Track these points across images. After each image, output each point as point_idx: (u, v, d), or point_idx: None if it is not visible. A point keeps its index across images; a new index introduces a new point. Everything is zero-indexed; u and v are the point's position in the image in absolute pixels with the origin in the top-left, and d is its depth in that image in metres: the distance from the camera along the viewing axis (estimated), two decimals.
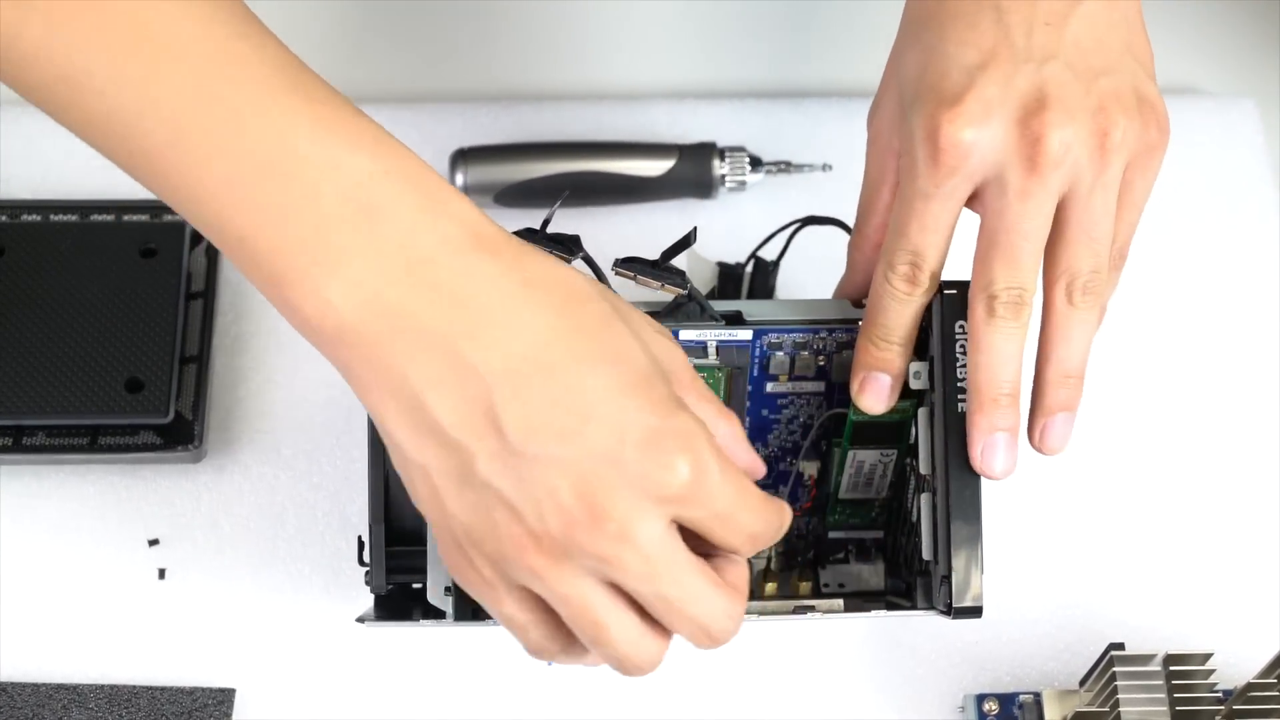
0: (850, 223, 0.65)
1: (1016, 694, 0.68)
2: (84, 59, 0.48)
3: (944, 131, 0.54)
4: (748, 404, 0.64)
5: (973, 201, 0.57)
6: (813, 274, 0.72)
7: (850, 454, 0.64)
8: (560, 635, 0.53)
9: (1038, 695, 0.67)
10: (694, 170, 0.79)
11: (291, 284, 0.49)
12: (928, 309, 0.59)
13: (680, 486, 0.49)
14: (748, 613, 0.63)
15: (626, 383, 0.49)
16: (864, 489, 0.66)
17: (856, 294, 0.61)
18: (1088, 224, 0.56)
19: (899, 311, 0.58)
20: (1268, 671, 0.63)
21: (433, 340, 0.49)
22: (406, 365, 0.49)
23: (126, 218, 0.76)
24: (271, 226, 0.49)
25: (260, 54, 0.50)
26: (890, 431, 0.62)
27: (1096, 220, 0.56)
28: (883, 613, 0.63)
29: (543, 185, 0.78)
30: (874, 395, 0.59)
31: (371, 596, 0.61)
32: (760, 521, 0.52)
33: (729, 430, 0.54)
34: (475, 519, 0.50)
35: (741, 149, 0.80)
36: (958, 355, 0.58)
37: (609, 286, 0.54)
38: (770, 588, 0.68)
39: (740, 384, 0.62)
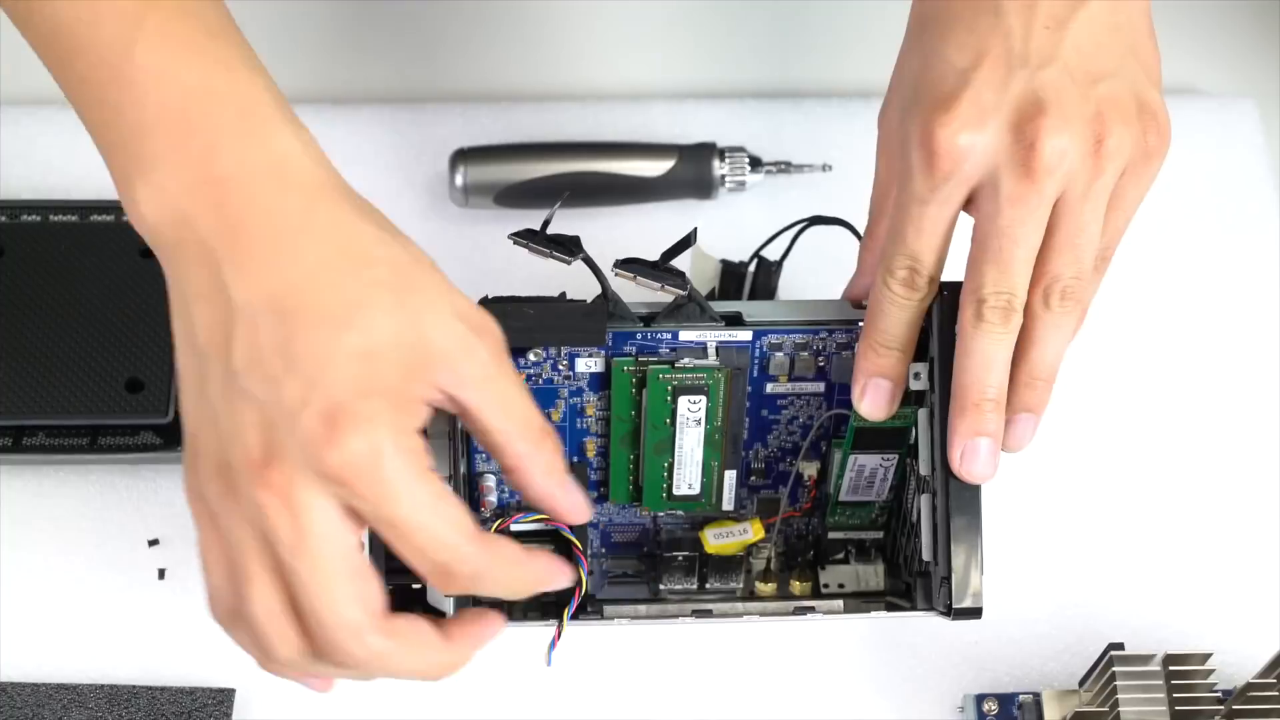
0: (854, 223, 0.65)
1: (1016, 694, 0.68)
2: None
3: (938, 136, 0.54)
4: (748, 405, 0.64)
5: (967, 205, 0.56)
6: (815, 274, 0.72)
7: (851, 458, 0.64)
8: (233, 587, 0.52)
9: (1037, 695, 0.67)
10: (694, 171, 0.79)
11: (118, 182, 0.52)
12: (928, 312, 0.59)
13: (342, 466, 0.48)
14: (749, 613, 0.64)
15: (343, 351, 0.49)
16: (864, 492, 0.66)
17: (865, 296, 0.61)
18: (1075, 231, 0.55)
19: (898, 317, 0.58)
20: (1267, 671, 0.63)
21: (206, 257, 0.50)
22: (184, 273, 0.51)
23: (126, 218, 0.75)
24: (107, 126, 0.52)
25: None
26: (892, 437, 0.62)
27: (1084, 227, 0.56)
28: (882, 613, 0.63)
29: (543, 186, 0.78)
30: (875, 401, 0.59)
31: None
32: (451, 552, 0.50)
33: (527, 452, 0.53)
34: (197, 430, 0.52)
35: (741, 149, 0.80)
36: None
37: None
38: (770, 588, 0.68)
39: (740, 385, 0.62)
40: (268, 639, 0.52)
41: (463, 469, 0.62)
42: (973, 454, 0.58)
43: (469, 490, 0.65)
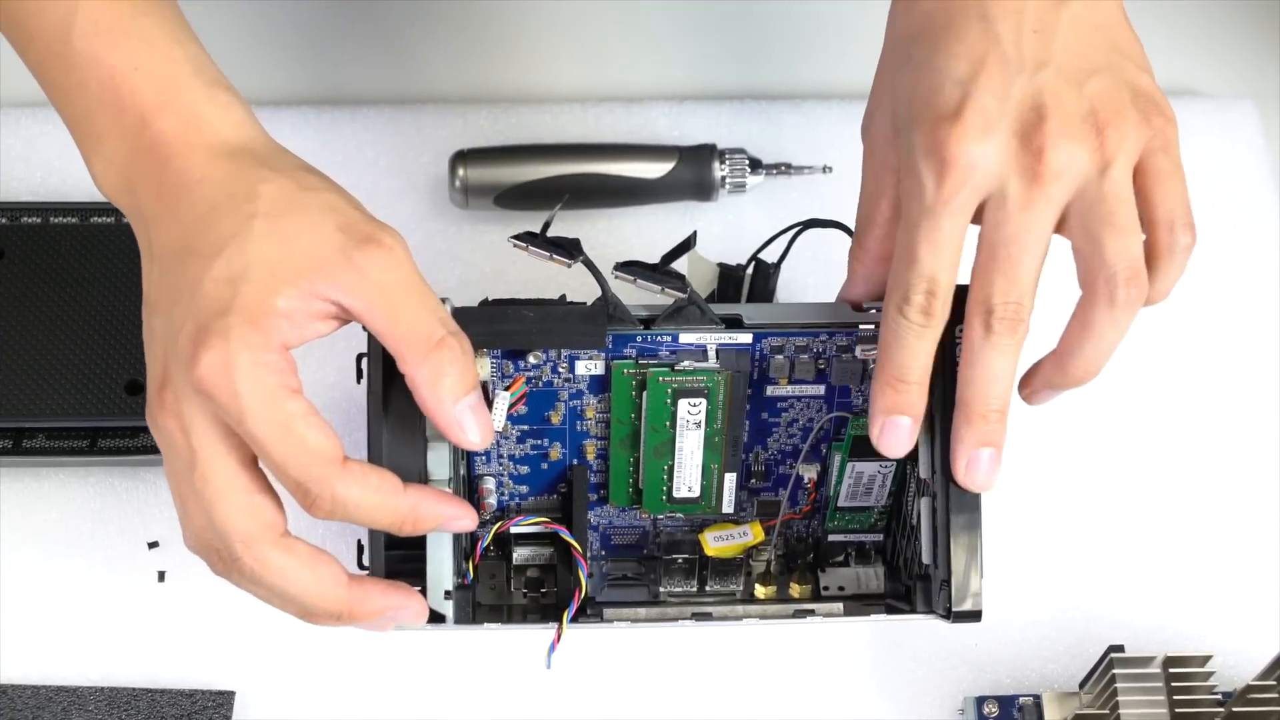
0: (852, 225, 0.65)
1: (1016, 696, 0.68)
2: None
3: (949, 146, 0.54)
4: (748, 407, 0.64)
5: (974, 216, 0.56)
6: (813, 276, 0.72)
7: (849, 465, 0.64)
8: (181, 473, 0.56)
9: (1037, 698, 0.67)
10: (694, 172, 0.79)
11: (84, 158, 0.58)
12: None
13: (200, 380, 0.52)
14: (749, 616, 0.64)
15: (211, 278, 0.53)
16: (863, 498, 0.66)
17: (858, 301, 0.61)
18: (1107, 215, 0.55)
19: (916, 347, 0.56)
20: (1267, 673, 0.63)
21: (143, 220, 0.56)
22: (138, 236, 0.57)
23: (126, 220, 0.75)
24: (65, 107, 0.58)
25: None
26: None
27: (1115, 210, 0.55)
28: (882, 616, 0.63)
29: (543, 187, 0.78)
30: (894, 440, 0.58)
31: None
32: (303, 470, 0.53)
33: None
34: (148, 361, 0.56)
35: (741, 151, 0.80)
36: (957, 359, 0.58)
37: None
38: (770, 591, 0.68)
39: (740, 387, 0.62)
40: (201, 553, 0.56)
41: (462, 470, 0.62)
42: (976, 464, 0.57)
43: (468, 492, 0.65)
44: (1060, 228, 0.56)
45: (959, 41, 0.55)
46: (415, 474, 0.59)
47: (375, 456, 0.59)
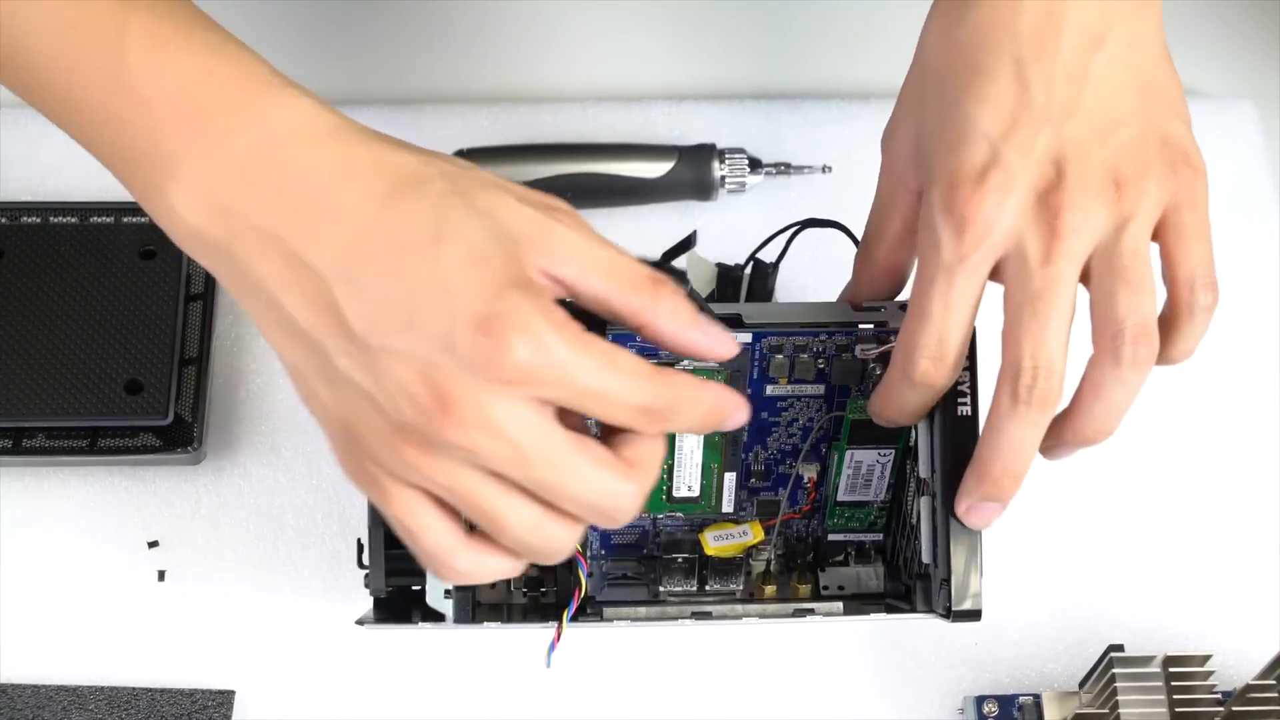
0: (850, 225, 0.65)
1: (1016, 696, 0.68)
2: None
3: (970, 206, 0.53)
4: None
5: (995, 275, 0.55)
6: (812, 276, 0.72)
7: (848, 454, 0.64)
8: (463, 538, 0.52)
9: (1037, 697, 0.67)
10: (693, 172, 0.79)
11: (145, 195, 0.51)
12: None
13: (520, 367, 0.48)
14: (748, 615, 0.64)
15: (452, 266, 0.48)
16: (862, 490, 0.66)
17: (859, 301, 0.61)
18: (1120, 268, 0.54)
19: (914, 400, 0.57)
20: (1267, 673, 0.63)
21: (268, 238, 0.49)
22: (253, 265, 0.50)
23: (126, 219, 0.76)
24: (120, 139, 0.51)
25: None
26: (888, 430, 0.62)
27: (1129, 264, 0.54)
28: (882, 615, 0.63)
29: (542, 187, 0.77)
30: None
31: (371, 599, 0.61)
32: (641, 391, 0.50)
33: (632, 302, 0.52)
34: (347, 414, 0.50)
35: (741, 151, 0.80)
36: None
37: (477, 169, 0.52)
38: (770, 590, 0.68)
39: (740, 386, 0.62)
40: (544, 544, 0.52)
41: None
42: (978, 513, 0.57)
43: None
44: (1084, 280, 0.55)
45: (991, 85, 0.54)
46: None
47: None
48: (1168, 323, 0.56)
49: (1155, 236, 0.55)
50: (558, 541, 0.52)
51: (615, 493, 0.51)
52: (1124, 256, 0.54)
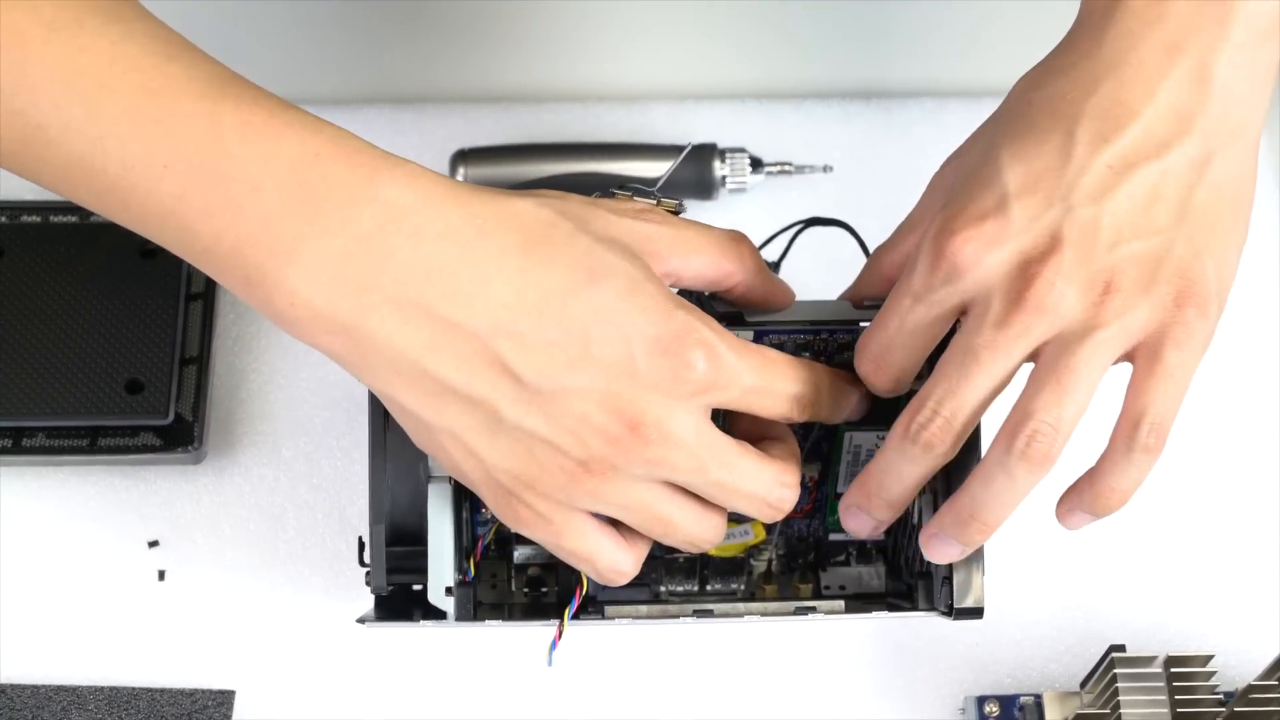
0: (852, 224, 0.65)
1: (1017, 696, 0.68)
2: (36, 115, 0.50)
3: (953, 242, 0.52)
4: None
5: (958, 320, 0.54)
6: (814, 275, 0.72)
7: (846, 437, 0.64)
8: (625, 545, 0.56)
9: (1038, 697, 0.67)
10: (695, 171, 0.79)
11: (258, 282, 0.50)
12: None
13: (701, 379, 0.52)
14: (750, 613, 0.64)
15: (615, 299, 0.51)
16: None
17: (862, 299, 0.61)
18: (1061, 370, 0.52)
19: (848, 395, 0.59)
20: (1269, 673, 0.63)
21: (408, 308, 0.50)
22: (393, 337, 0.50)
23: None
24: (225, 230, 0.50)
25: (189, 72, 0.51)
26: (889, 409, 0.62)
27: (1073, 369, 0.51)
28: (884, 614, 0.63)
29: (544, 186, 0.78)
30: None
31: (372, 597, 0.61)
32: (794, 382, 0.55)
33: (734, 267, 0.56)
34: (518, 462, 0.53)
35: (742, 150, 0.80)
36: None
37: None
38: (771, 590, 0.67)
39: None
40: (701, 539, 0.56)
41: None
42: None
43: (470, 494, 0.64)
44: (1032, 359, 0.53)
45: (1034, 145, 0.53)
46: (418, 499, 0.60)
47: (377, 488, 0.60)
48: (1101, 458, 0.54)
49: (1129, 358, 0.53)
50: (718, 530, 0.57)
51: (779, 482, 0.56)
52: (1074, 357, 0.52)
